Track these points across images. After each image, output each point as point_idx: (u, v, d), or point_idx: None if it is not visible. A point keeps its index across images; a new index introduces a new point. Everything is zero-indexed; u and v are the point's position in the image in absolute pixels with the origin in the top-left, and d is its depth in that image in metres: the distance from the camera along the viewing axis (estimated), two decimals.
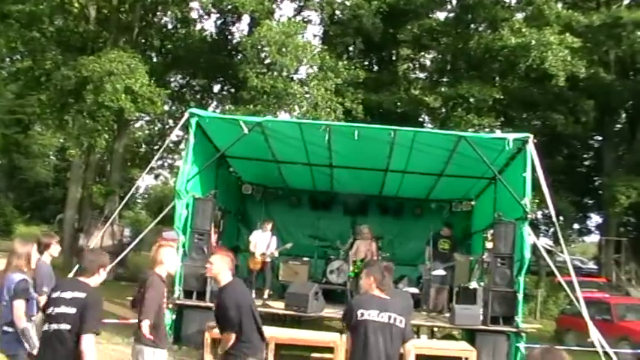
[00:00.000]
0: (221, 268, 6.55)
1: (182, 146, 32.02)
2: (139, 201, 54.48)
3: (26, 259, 6.86)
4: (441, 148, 14.49)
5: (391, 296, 6.19)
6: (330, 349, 11.47)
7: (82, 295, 5.46)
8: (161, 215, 14.69)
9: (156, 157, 23.17)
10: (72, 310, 5.38)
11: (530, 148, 13.21)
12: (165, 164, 43.44)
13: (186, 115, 13.73)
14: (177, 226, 13.32)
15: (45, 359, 5.47)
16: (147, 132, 41.00)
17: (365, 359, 5.68)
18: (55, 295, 5.53)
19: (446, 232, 16.22)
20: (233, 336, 6.34)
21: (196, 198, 13.52)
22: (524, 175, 13.25)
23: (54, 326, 5.40)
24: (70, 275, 7.93)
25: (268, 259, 15.38)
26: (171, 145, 34.75)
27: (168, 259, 6.78)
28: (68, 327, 5.36)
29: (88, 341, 5.31)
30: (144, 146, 40.61)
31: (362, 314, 5.75)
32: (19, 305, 6.55)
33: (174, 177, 50.28)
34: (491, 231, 15.27)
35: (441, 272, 15.28)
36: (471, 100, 25.42)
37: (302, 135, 14.21)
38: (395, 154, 15.01)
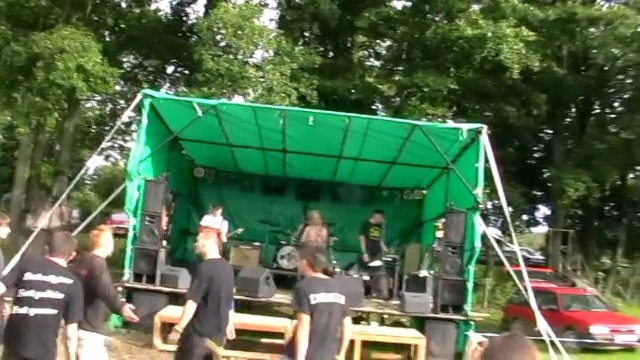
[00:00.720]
0: (207, 243, 6.98)
1: (133, 127, 31.60)
2: (87, 182, 53.59)
3: None
4: (394, 136, 14.52)
5: (337, 280, 7.47)
6: (281, 335, 11.44)
7: (69, 281, 5.44)
8: (111, 197, 14.42)
9: (107, 138, 22.84)
10: (59, 296, 5.33)
11: (484, 139, 13.32)
12: (116, 145, 42.75)
13: (140, 95, 13.49)
14: (128, 208, 13.12)
15: (21, 343, 5.32)
16: (97, 112, 40.31)
17: (323, 340, 5.97)
18: (34, 277, 5.37)
19: (376, 219, 16.09)
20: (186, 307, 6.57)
21: (148, 180, 13.30)
22: (476, 165, 13.37)
23: (37, 310, 5.29)
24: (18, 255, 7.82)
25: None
26: (122, 126, 34.27)
27: (110, 242, 6.76)
28: (55, 312, 5.32)
29: (73, 329, 5.40)
30: (94, 126, 39.92)
31: (314, 298, 5.94)
32: None
33: (125, 158, 49.69)
34: (443, 220, 15.39)
35: (377, 263, 15.27)
36: (426, 89, 25.49)
37: (256, 119, 14.11)
38: (349, 141, 14.99)
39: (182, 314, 6.55)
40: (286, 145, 15.96)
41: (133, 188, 13.04)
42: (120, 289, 12.48)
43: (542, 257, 38.16)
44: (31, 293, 5.31)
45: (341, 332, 6.26)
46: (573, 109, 34.58)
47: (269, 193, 19.20)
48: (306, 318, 5.92)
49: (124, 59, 31.52)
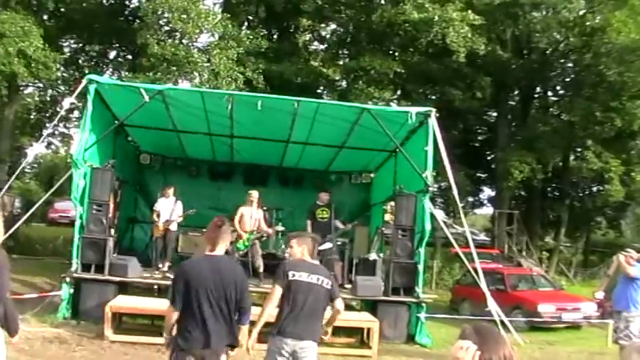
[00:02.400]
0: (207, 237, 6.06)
1: (76, 114, 30.92)
2: (27, 170, 52.45)
3: None
4: (343, 120, 14.50)
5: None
6: None
7: None
8: (56, 186, 14.13)
9: (52, 125, 22.33)
10: None
11: (433, 122, 13.40)
12: (57, 132, 41.85)
13: (84, 81, 13.19)
14: (74, 197, 12.82)
15: None
16: (37, 98, 39.34)
17: (297, 317, 6.10)
18: None
19: (323, 200, 15.69)
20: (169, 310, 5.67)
21: (94, 168, 13.03)
22: (425, 148, 13.45)
23: None
24: None
25: (174, 227, 14.94)
26: (63, 112, 33.54)
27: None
28: None
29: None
30: (34, 113, 38.96)
31: (293, 275, 6.16)
32: None
33: (66, 146, 48.72)
34: (391, 203, 15.46)
35: (327, 245, 15.17)
36: (372, 72, 25.49)
37: (204, 104, 13.92)
38: (297, 126, 14.92)
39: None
40: (234, 131, 15.78)
41: (79, 176, 12.74)
42: (68, 279, 12.27)
43: (487, 238, 38.76)
44: None
45: (332, 314, 6.52)
46: (517, 92, 35.06)
47: (217, 179, 19.03)
48: (277, 290, 6.17)
49: (65, 44, 30.77)
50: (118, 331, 11.13)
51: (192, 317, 5.45)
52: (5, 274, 5.40)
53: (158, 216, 14.78)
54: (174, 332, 5.58)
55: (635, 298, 11.04)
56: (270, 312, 6.26)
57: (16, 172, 17.62)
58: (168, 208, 14.88)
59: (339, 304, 6.47)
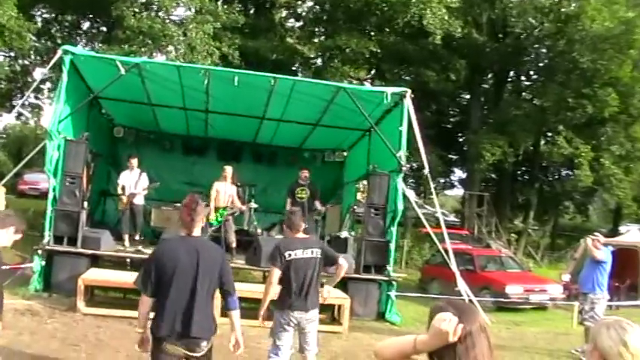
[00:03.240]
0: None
1: (47, 85, 30.57)
2: None
3: None
4: (319, 98, 14.55)
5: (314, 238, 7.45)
6: None
7: None
8: (29, 157, 14.01)
9: (26, 95, 22.04)
10: None
11: (408, 103, 13.49)
12: (26, 103, 41.31)
13: (60, 52, 13.03)
14: (47, 169, 12.72)
15: None
16: (7, 68, 38.73)
17: (301, 291, 6.69)
18: None
19: (303, 179, 15.60)
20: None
21: (68, 140, 12.92)
22: (400, 128, 13.55)
23: None
24: None
25: (140, 200, 14.60)
26: (32, 83, 33.17)
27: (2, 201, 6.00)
28: None
29: None
30: (5, 83, 38.42)
31: (289, 255, 6.67)
32: None
33: (35, 117, 48.10)
34: (364, 182, 15.56)
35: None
36: (348, 51, 25.53)
37: (180, 78, 13.84)
38: (272, 102, 14.93)
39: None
40: (209, 106, 15.74)
41: (53, 148, 12.63)
42: (40, 252, 12.22)
43: (456, 219, 39.09)
44: None
45: (337, 272, 7.16)
46: (491, 76, 35.35)
47: (190, 154, 18.96)
48: (276, 272, 6.68)
49: (37, 13, 30.34)
50: (90, 304, 11.14)
51: (169, 304, 5.02)
52: None
53: (123, 189, 14.51)
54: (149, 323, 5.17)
55: (600, 280, 11.29)
56: (275, 291, 6.79)
57: None
58: (132, 181, 14.58)
59: (342, 261, 7.04)
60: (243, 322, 9.06)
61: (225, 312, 5.43)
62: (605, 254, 11.43)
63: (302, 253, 6.74)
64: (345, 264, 7.12)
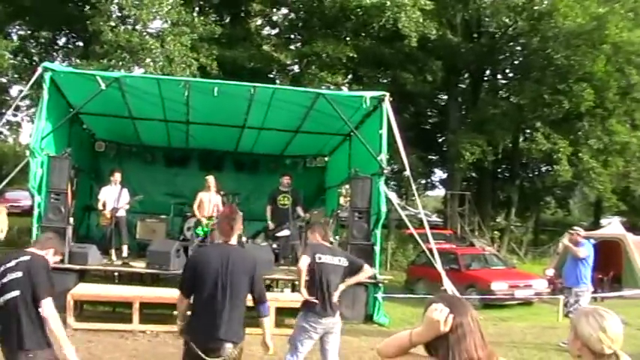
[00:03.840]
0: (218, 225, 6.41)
1: (26, 102, 30.49)
2: None
3: None
4: (298, 104, 14.66)
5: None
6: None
7: (27, 257, 5.19)
8: (11, 175, 13.99)
9: (6, 114, 21.98)
10: (18, 275, 5.08)
11: (386, 106, 13.65)
12: (4, 121, 41.18)
13: (40, 69, 13.07)
14: (32, 186, 12.74)
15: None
16: None
17: (322, 294, 6.86)
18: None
19: (285, 185, 15.67)
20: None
21: (51, 156, 12.94)
22: (380, 132, 13.70)
23: (6, 297, 5.06)
24: None
25: (122, 213, 14.43)
26: (10, 101, 33.06)
27: (5, 223, 5.89)
28: (18, 293, 5.05)
29: (48, 306, 5.07)
30: None
31: (320, 258, 6.96)
32: None
33: (14, 134, 47.76)
34: (346, 186, 15.70)
35: (285, 233, 15.24)
36: (325, 57, 25.67)
37: (160, 91, 13.94)
38: (253, 111, 15.00)
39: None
40: (190, 117, 15.77)
41: (37, 165, 12.66)
42: None
43: (439, 219, 39.34)
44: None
45: (364, 275, 7.46)
46: (467, 76, 35.70)
47: (172, 166, 18.98)
48: (305, 258, 6.97)
49: (12, 31, 30.25)
50: (79, 319, 11.18)
51: (200, 307, 5.31)
52: None
53: (104, 205, 14.31)
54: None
55: (584, 274, 11.51)
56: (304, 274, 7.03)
57: None
58: (114, 196, 14.43)
59: (366, 267, 7.40)
60: None
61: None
62: (586, 249, 11.64)
63: (331, 259, 7.02)
64: (370, 270, 7.57)
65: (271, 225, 15.56)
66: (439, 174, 42.85)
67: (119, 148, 18.50)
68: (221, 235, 5.57)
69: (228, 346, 5.25)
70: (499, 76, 36.39)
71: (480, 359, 2.69)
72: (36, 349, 5.09)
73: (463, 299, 2.90)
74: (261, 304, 5.53)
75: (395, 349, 2.87)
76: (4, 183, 14.82)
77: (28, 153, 12.98)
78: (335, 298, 7.03)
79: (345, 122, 14.10)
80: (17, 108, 32.85)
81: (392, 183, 35.89)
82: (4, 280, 5.08)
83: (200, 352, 5.22)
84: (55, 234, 5.59)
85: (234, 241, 5.57)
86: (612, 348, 2.88)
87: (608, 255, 18.19)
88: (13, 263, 5.13)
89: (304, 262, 6.92)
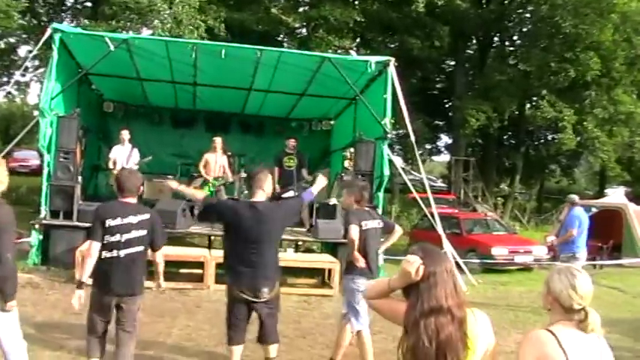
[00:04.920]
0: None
1: (35, 62, 30.58)
2: None
3: None
4: (304, 68, 14.79)
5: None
6: (200, 264, 11.78)
7: (147, 216, 5.72)
8: (22, 134, 14.21)
9: (17, 74, 22.10)
10: (143, 233, 5.65)
11: (392, 71, 13.78)
12: (11, 81, 41.27)
13: (49, 30, 13.19)
14: (41, 145, 12.96)
15: (114, 283, 5.63)
16: None
17: (366, 255, 7.02)
18: (115, 223, 5.60)
19: (290, 147, 15.92)
20: None
21: (61, 116, 13.09)
22: (384, 96, 13.84)
23: (126, 251, 5.61)
24: None
25: None
26: (19, 61, 33.13)
27: (5, 177, 5.59)
28: (141, 248, 5.68)
29: (160, 254, 5.89)
30: None
31: (365, 225, 7.11)
32: None
33: (22, 94, 47.85)
34: (351, 150, 15.85)
35: (289, 194, 15.40)
36: (332, 21, 25.67)
37: (168, 53, 14.07)
38: (259, 74, 15.15)
39: None
40: (197, 78, 15.97)
41: (46, 125, 12.86)
42: (37, 226, 12.49)
43: (444, 184, 39.49)
44: (117, 237, 5.58)
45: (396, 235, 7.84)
46: (474, 42, 35.59)
47: (179, 127, 19.15)
48: (354, 227, 7.01)
49: None
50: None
51: (237, 256, 6.07)
52: (9, 231, 5.27)
53: (114, 163, 14.67)
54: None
55: (577, 243, 11.68)
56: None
57: None
58: (124, 155, 14.80)
59: (397, 228, 7.89)
60: None
61: None
62: (581, 217, 11.83)
63: (372, 224, 7.20)
64: (400, 230, 7.89)
65: (277, 188, 15.73)
66: (445, 139, 42.96)
67: (127, 109, 18.68)
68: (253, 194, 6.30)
69: (266, 290, 6.03)
70: (507, 43, 36.25)
71: (449, 307, 2.89)
72: (141, 294, 5.85)
73: (440, 250, 3.13)
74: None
75: (376, 293, 3.19)
76: (13, 143, 15.06)
77: (36, 113, 13.15)
78: (380, 259, 7.41)
79: (350, 86, 14.22)
80: (25, 68, 33.03)
81: (397, 147, 36.03)
82: (129, 235, 5.61)
83: (242, 294, 6.01)
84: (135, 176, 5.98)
85: (259, 197, 6.20)
86: (581, 304, 3.11)
87: (609, 224, 18.39)
88: (134, 220, 5.64)
89: (355, 231, 6.99)
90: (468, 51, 35.76)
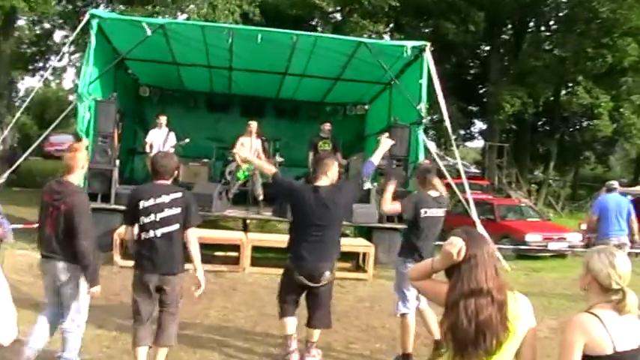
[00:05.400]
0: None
1: (71, 48, 30.87)
2: (17, 104, 52.21)
3: None
4: (340, 53, 14.84)
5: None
6: (236, 247, 11.92)
7: (179, 195, 5.79)
8: (59, 118, 14.41)
9: (55, 59, 22.39)
10: (177, 211, 5.72)
11: (427, 56, 13.77)
12: (48, 65, 41.78)
13: (87, 16, 13.41)
14: (80, 129, 13.16)
15: (154, 262, 5.74)
16: (27, 32, 38.93)
17: (425, 244, 6.84)
18: (149, 203, 5.70)
19: (325, 132, 15.86)
20: None
21: (98, 101, 13.33)
22: (420, 81, 13.87)
23: (162, 230, 5.70)
24: None
25: None
26: (54, 47, 33.59)
27: (86, 164, 6.31)
28: (177, 226, 5.73)
29: (193, 232, 5.83)
30: (28, 47, 38.69)
31: (425, 212, 6.85)
32: None
33: (57, 79, 48.34)
34: (386, 134, 15.84)
35: None
36: (367, 5, 25.61)
37: (204, 38, 14.20)
38: (295, 58, 15.23)
39: None
40: (232, 63, 16.08)
41: (85, 109, 13.07)
42: None
43: (477, 170, 39.32)
44: (152, 217, 5.68)
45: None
46: (510, 27, 35.26)
47: (214, 111, 19.35)
48: (398, 205, 6.92)
49: None
50: (125, 257, 11.53)
51: (298, 241, 6.22)
52: (86, 218, 5.63)
53: (151, 147, 14.86)
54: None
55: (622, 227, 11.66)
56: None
57: (22, 107, 17.83)
58: (161, 139, 15.01)
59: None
60: (272, 270, 9.58)
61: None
62: (602, 202, 11.81)
63: (435, 212, 6.93)
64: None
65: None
66: (479, 125, 42.67)
67: (162, 93, 18.91)
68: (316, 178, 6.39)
69: (326, 274, 6.18)
70: (542, 28, 35.79)
71: (489, 289, 2.99)
72: (181, 273, 5.88)
73: (483, 234, 3.19)
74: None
75: (419, 274, 3.31)
76: (51, 128, 15.27)
77: (72, 97, 13.34)
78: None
79: (385, 71, 14.24)
80: (61, 54, 33.35)
81: (431, 132, 35.88)
82: (163, 214, 5.69)
83: (303, 279, 6.23)
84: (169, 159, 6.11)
85: (322, 182, 6.38)
86: (620, 284, 3.15)
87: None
88: (167, 199, 5.71)
89: (396, 205, 6.93)
90: (503, 36, 35.41)
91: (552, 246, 17.55)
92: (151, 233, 5.70)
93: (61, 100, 48.61)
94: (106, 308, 8.18)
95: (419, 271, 3.33)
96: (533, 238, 17.39)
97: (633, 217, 11.75)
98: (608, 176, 43.14)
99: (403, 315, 6.93)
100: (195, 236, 5.83)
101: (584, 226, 18.34)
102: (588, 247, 16.61)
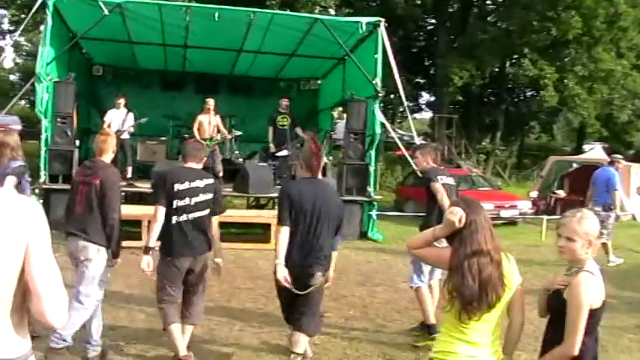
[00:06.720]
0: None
1: (8, 26, 30.39)
2: None
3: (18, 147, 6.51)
4: (295, 29, 15.07)
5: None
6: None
7: (212, 180, 5.98)
8: (13, 101, 14.33)
9: (15, 37, 22.06)
10: (209, 196, 5.87)
11: (382, 32, 14.09)
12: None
13: None
14: (39, 110, 13.20)
15: (186, 246, 5.82)
16: None
17: (440, 211, 6.73)
18: (184, 187, 5.78)
19: (284, 107, 16.18)
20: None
21: (57, 81, 13.33)
22: (375, 56, 14.19)
23: (195, 214, 5.81)
24: None
25: (126, 136, 15.05)
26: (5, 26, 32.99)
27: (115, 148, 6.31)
28: (208, 211, 5.87)
29: (216, 221, 6.02)
30: None
31: (441, 179, 7.15)
32: (10, 181, 6.29)
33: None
34: (339, 108, 16.19)
35: (284, 152, 15.66)
36: None
37: (161, 16, 14.27)
38: (250, 35, 15.38)
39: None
40: (188, 41, 16.14)
41: (43, 90, 13.09)
42: (37, 191, 12.70)
43: (424, 142, 39.75)
44: (186, 201, 5.77)
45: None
46: (456, 0, 35.68)
47: (169, 89, 19.33)
48: (436, 183, 7.07)
49: None
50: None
51: (294, 239, 5.52)
52: (115, 191, 5.91)
53: (109, 126, 14.75)
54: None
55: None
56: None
57: None
58: (119, 119, 15.08)
59: None
60: (236, 245, 9.78)
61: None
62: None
63: (447, 180, 7.23)
64: None
65: (272, 147, 16.00)
66: (426, 97, 43.31)
67: (116, 72, 18.83)
68: (308, 170, 5.75)
69: (318, 274, 5.61)
70: (488, 2, 36.43)
71: (488, 250, 3.35)
72: (209, 251, 6.03)
73: (478, 202, 3.53)
74: (337, 235, 5.88)
75: (421, 242, 3.65)
76: (5, 110, 15.20)
77: (13, 77, 13.29)
78: None
79: (340, 46, 14.50)
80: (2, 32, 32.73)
81: (380, 105, 36.21)
82: (197, 199, 5.82)
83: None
84: (200, 145, 6.30)
85: (320, 175, 6.15)
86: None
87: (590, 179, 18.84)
88: (201, 184, 5.87)
89: (438, 184, 7.03)
90: (450, 9, 35.87)
91: (504, 214, 18.03)
92: (184, 217, 5.77)
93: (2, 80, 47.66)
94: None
95: (421, 240, 3.65)
96: (485, 207, 17.77)
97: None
98: (551, 145, 44.25)
99: (417, 289, 7.13)
100: (217, 223, 6.04)
101: (533, 194, 18.98)
102: (537, 214, 17.32)
